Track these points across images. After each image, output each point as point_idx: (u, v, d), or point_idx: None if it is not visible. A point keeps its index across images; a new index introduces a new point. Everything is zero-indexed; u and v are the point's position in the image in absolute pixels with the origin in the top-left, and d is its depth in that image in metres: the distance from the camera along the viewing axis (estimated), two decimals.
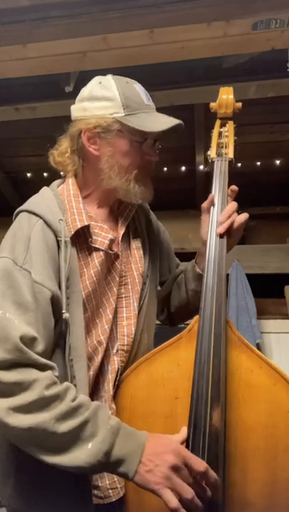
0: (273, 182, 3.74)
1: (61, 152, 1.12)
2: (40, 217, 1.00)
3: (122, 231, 1.13)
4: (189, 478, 0.86)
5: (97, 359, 1.05)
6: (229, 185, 1.13)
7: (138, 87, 1.08)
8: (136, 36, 2.15)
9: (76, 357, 0.98)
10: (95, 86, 1.07)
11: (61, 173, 1.16)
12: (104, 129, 1.04)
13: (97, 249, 1.06)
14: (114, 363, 1.08)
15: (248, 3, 2.02)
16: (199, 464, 0.87)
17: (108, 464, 0.85)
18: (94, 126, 1.04)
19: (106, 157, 1.06)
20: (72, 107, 1.11)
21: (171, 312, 1.34)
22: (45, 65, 2.33)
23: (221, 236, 1.07)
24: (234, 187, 1.12)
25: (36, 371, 0.88)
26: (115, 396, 1.07)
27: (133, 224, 1.20)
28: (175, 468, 0.85)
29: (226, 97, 1.20)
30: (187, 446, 0.93)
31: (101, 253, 1.06)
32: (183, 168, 3.82)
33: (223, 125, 1.23)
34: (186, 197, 3.92)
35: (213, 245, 1.06)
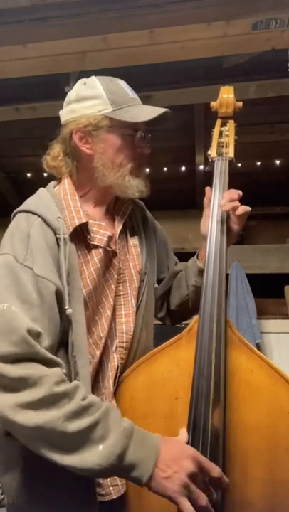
0: (273, 182, 3.74)
1: (54, 156, 1.13)
2: (39, 216, 1.00)
3: (119, 229, 1.14)
4: (203, 484, 0.85)
5: (97, 356, 1.05)
6: (229, 185, 1.13)
7: (122, 83, 1.10)
8: (136, 36, 2.15)
9: (79, 354, 0.97)
10: (80, 87, 1.09)
11: (56, 175, 1.16)
12: (95, 126, 1.05)
13: (96, 247, 1.06)
14: (114, 360, 1.08)
15: (248, 3, 2.03)
16: (214, 470, 0.86)
17: (121, 467, 0.83)
18: (84, 125, 1.06)
19: (98, 155, 1.07)
20: (61, 112, 1.12)
21: (171, 310, 1.34)
22: (45, 65, 2.33)
23: (222, 220, 1.07)
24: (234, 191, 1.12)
25: (44, 367, 0.86)
26: (115, 396, 1.07)
27: (130, 222, 1.20)
28: (193, 476, 0.84)
29: (226, 96, 1.20)
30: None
31: (100, 250, 1.06)
32: (183, 168, 3.82)
33: (223, 124, 1.23)
34: (186, 197, 3.92)
35: (213, 243, 1.07)
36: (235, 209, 1.08)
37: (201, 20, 2.08)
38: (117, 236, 1.13)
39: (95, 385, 1.06)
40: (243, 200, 1.13)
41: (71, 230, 1.02)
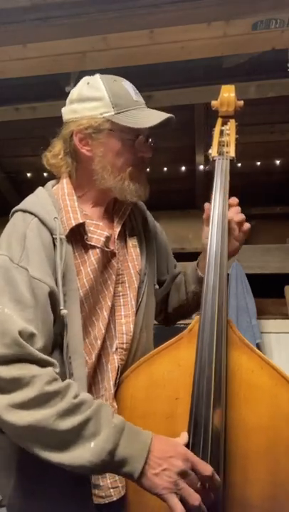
0: (273, 182, 3.74)
1: (54, 154, 1.12)
2: (35, 216, 1.00)
3: (117, 229, 1.13)
4: (196, 484, 0.85)
5: (94, 357, 1.05)
6: (230, 185, 1.12)
7: (126, 84, 1.08)
8: (136, 36, 2.15)
9: (74, 354, 0.97)
10: (83, 87, 1.08)
11: (55, 173, 1.16)
12: (96, 129, 1.04)
13: (93, 247, 1.06)
14: (114, 361, 1.08)
15: (248, 3, 2.03)
16: (206, 469, 0.86)
17: (112, 463, 0.84)
18: (85, 127, 1.05)
19: (98, 157, 1.06)
20: (63, 110, 1.11)
21: (168, 312, 1.34)
22: (45, 65, 2.33)
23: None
24: (233, 199, 1.13)
25: (36, 367, 0.87)
26: (116, 396, 1.06)
27: (129, 222, 1.20)
28: (183, 474, 0.84)
29: (227, 95, 1.19)
30: (187, 447, 0.91)
31: (97, 251, 1.06)
32: (183, 168, 3.81)
33: (224, 123, 1.22)
34: (186, 197, 3.92)
35: (214, 245, 1.06)
36: (242, 222, 1.10)
37: (201, 20, 2.08)
38: (116, 236, 1.12)
39: (94, 386, 1.06)
40: (243, 201, 1.13)
41: (68, 230, 1.02)
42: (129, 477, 0.85)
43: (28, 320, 0.89)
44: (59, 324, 0.97)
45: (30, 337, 0.88)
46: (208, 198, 1.13)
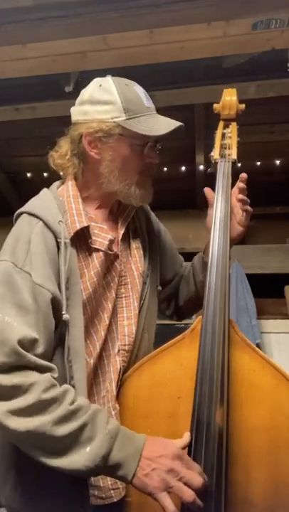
0: (273, 182, 3.74)
1: (61, 154, 1.11)
2: (40, 219, 1.00)
3: (121, 231, 1.13)
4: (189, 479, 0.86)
5: (95, 359, 1.05)
6: (232, 186, 1.13)
7: (138, 89, 1.07)
8: (136, 36, 2.15)
9: (75, 358, 0.98)
10: (95, 89, 1.06)
11: (61, 173, 1.15)
12: (106, 133, 1.04)
13: (97, 250, 1.06)
14: (116, 363, 1.08)
15: (248, 3, 2.03)
16: (194, 466, 0.88)
17: (106, 467, 0.86)
18: (95, 131, 1.04)
19: (107, 161, 1.06)
20: (73, 110, 1.10)
21: (179, 306, 1.34)
22: (45, 65, 2.33)
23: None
24: (243, 175, 1.14)
25: (36, 374, 0.88)
26: (118, 396, 1.07)
27: (133, 224, 1.19)
28: (173, 472, 0.85)
29: (229, 98, 1.20)
30: (190, 447, 0.93)
31: (101, 253, 1.06)
32: (183, 168, 3.82)
33: (226, 126, 1.23)
34: (186, 197, 3.92)
35: (216, 244, 1.07)
36: (245, 204, 1.11)
37: (201, 20, 2.07)
38: (120, 238, 1.12)
39: (96, 388, 1.06)
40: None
41: (72, 233, 1.02)
42: (123, 480, 0.88)
43: (30, 325, 0.90)
44: (61, 328, 0.97)
45: (31, 343, 0.89)
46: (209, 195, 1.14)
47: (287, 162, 3.68)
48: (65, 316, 0.96)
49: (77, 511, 0.99)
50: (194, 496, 0.84)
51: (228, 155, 1.17)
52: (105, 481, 1.03)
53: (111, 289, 1.10)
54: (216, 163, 1.17)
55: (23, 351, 0.87)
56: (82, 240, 1.05)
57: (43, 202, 1.06)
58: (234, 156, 1.17)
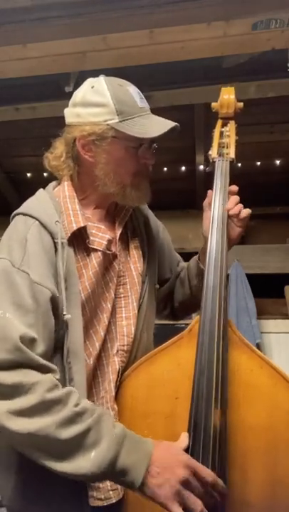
0: (273, 182, 3.74)
1: (56, 156, 1.10)
2: (36, 219, 0.99)
3: (119, 231, 1.13)
4: (198, 489, 0.85)
5: (94, 359, 1.05)
6: (230, 185, 1.13)
7: (131, 89, 1.05)
8: (136, 36, 2.15)
9: (74, 359, 0.97)
10: (87, 90, 1.05)
11: (58, 173, 1.15)
12: (99, 136, 1.02)
13: (95, 250, 1.05)
14: (115, 363, 1.08)
15: (248, 3, 2.03)
16: (208, 474, 0.86)
17: (113, 473, 0.84)
18: (88, 134, 1.03)
19: (101, 164, 1.05)
20: (66, 111, 1.09)
21: (175, 307, 1.34)
22: (45, 65, 2.33)
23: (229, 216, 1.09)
24: (234, 187, 1.12)
25: (37, 373, 0.87)
26: (116, 396, 1.07)
27: (131, 223, 1.19)
28: (185, 482, 0.84)
29: (227, 97, 1.19)
30: (187, 447, 0.92)
31: (99, 254, 1.05)
32: (183, 168, 3.82)
33: (224, 125, 1.23)
34: (186, 197, 3.92)
35: (214, 244, 1.06)
36: (240, 213, 1.08)
37: (201, 20, 2.07)
38: (118, 238, 1.12)
39: (95, 389, 1.06)
40: (242, 201, 1.13)
41: (69, 233, 1.01)
42: (130, 486, 0.85)
43: (29, 325, 0.89)
44: (60, 329, 0.96)
45: (31, 342, 0.88)
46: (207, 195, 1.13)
47: (287, 162, 3.68)
48: (67, 316, 0.95)
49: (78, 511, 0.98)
50: (202, 506, 0.84)
51: (226, 154, 1.17)
52: (104, 482, 1.02)
53: (110, 289, 1.09)
54: (214, 162, 1.16)
55: (25, 348, 0.85)
56: (79, 240, 1.04)
57: (39, 202, 1.05)
58: (232, 155, 1.16)
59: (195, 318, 1.04)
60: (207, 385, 0.94)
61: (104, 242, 1.06)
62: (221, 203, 1.10)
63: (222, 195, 1.11)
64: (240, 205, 1.08)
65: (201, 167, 3.63)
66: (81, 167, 1.09)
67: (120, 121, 1.01)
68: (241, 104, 1.21)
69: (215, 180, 1.13)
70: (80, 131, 1.04)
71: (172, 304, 1.35)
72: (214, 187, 1.13)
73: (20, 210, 1.04)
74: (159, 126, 1.03)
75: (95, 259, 1.05)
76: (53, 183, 1.14)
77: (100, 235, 1.06)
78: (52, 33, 2.17)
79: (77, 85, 1.11)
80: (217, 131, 1.21)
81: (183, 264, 1.35)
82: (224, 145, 1.19)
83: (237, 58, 2.46)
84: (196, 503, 0.83)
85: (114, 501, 1.01)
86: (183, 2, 2.05)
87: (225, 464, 0.93)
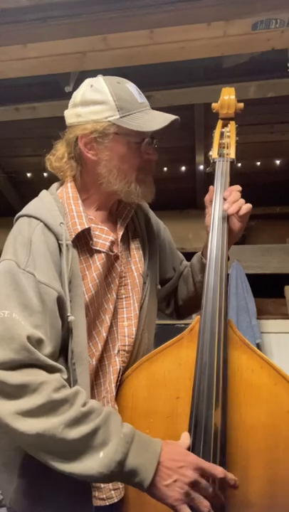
0: (273, 182, 3.74)
1: (58, 157, 1.11)
2: (41, 221, 0.99)
3: (121, 232, 1.13)
4: (207, 490, 0.85)
5: (96, 360, 1.05)
6: (230, 185, 1.13)
7: (130, 86, 1.06)
8: (136, 36, 2.15)
9: (78, 360, 0.97)
10: (86, 90, 1.06)
11: (60, 174, 1.15)
12: (101, 133, 1.03)
13: (99, 251, 1.05)
14: (116, 363, 1.08)
15: (248, 3, 2.03)
16: (218, 471, 0.86)
17: (121, 473, 0.83)
18: (90, 132, 1.03)
19: (104, 162, 1.05)
20: (66, 113, 1.09)
21: (178, 305, 1.34)
22: (45, 65, 2.34)
23: (224, 217, 1.07)
24: (237, 187, 1.11)
25: (44, 373, 0.86)
26: (117, 396, 1.07)
27: (132, 224, 1.19)
28: (193, 484, 0.84)
29: (227, 97, 1.20)
30: (188, 448, 0.92)
31: (102, 255, 1.06)
32: (183, 168, 3.82)
33: (224, 125, 1.23)
34: (186, 197, 3.92)
35: (214, 244, 1.06)
36: (239, 210, 1.07)
37: (201, 20, 2.08)
38: (119, 239, 1.12)
39: (96, 389, 1.06)
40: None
41: (74, 235, 1.01)
42: (139, 487, 0.85)
43: (36, 325, 0.89)
44: (65, 330, 0.96)
45: (38, 342, 0.88)
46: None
47: (287, 162, 3.68)
48: (71, 318, 0.95)
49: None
50: (210, 507, 0.84)
51: (227, 154, 1.17)
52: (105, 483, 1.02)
53: (112, 290, 1.09)
54: (214, 162, 1.16)
55: (32, 348, 0.85)
56: (83, 241, 1.04)
57: (43, 204, 1.05)
58: (232, 155, 1.16)
59: (195, 318, 1.04)
60: (208, 385, 0.94)
61: (108, 244, 1.06)
62: (222, 204, 1.10)
63: (222, 196, 1.11)
64: (238, 204, 1.07)
65: (201, 167, 3.63)
66: (84, 166, 1.09)
67: (121, 117, 1.02)
68: (242, 104, 1.21)
69: (215, 181, 1.13)
70: (81, 130, 1.04)
71: (176, 302, 1.35)
72: (215, 187, 1.13)
73: (24, 211, 1.04)
74: (160, 119, 1.04)
75: (99, 261, 1.05)
76: (56, 184, 1.14)
77: (104, 237, 1.07)
78: (52, 33, 2.17)
79: (77, 85, 1.11)
80: (217, 131, 1.21)
81: (186, 263, 1.35)
82: (224, 145, 1.19)
83: (237, 58, 2.47)
84: (204, 504, 0.84)
85: (116, 501, 1.02)
86: (183, 2, 2.06)
87: (226, 463, 0.93)
